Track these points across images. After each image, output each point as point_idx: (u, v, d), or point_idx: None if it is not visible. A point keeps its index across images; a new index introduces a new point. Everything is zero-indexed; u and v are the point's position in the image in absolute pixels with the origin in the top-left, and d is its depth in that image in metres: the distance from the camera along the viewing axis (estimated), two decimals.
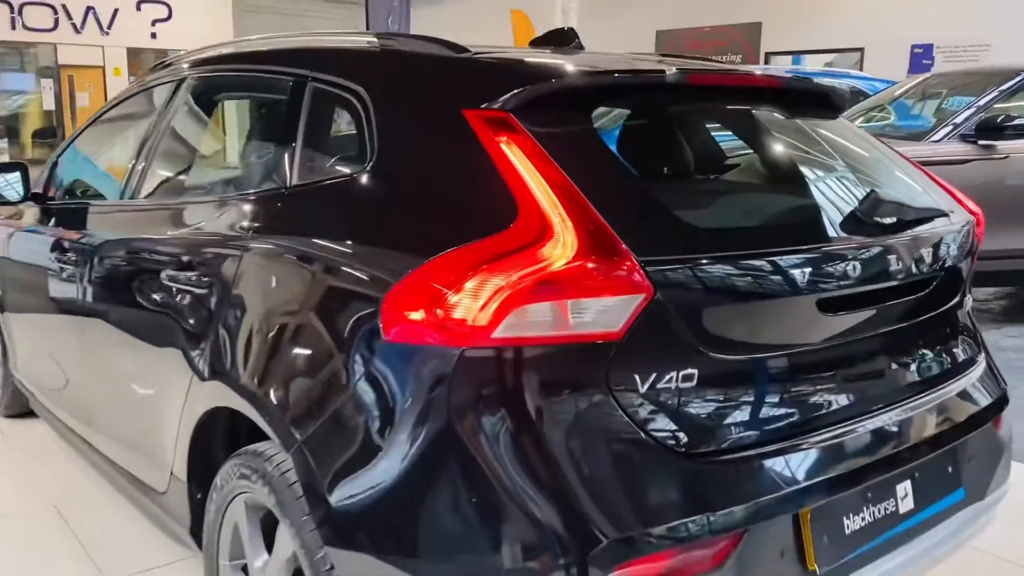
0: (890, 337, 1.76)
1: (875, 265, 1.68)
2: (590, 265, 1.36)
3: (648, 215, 1.53)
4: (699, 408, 1.44)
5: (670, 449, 1.40)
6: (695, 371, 1.43)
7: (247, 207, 1.95)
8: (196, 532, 2.08)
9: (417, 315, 1.41)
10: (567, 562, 1.32)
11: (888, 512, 1.64)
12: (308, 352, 1.62)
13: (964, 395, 1.87)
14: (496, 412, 1.37)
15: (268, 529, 1.81)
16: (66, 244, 2.74)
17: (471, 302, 1.36)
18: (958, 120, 5.47)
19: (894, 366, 1.78)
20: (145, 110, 2.80)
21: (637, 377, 1.39)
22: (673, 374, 1.41)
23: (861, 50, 14.50)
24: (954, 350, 1.92)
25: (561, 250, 1.36)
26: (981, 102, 5.52)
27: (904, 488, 1.68)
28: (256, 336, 1.73)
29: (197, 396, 1.91)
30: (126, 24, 20.78)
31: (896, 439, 1.68)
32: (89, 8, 20.21)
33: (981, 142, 5.35)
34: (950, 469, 1.79)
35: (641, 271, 1.38)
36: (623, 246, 1.38)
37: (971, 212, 2.05)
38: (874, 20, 14.46)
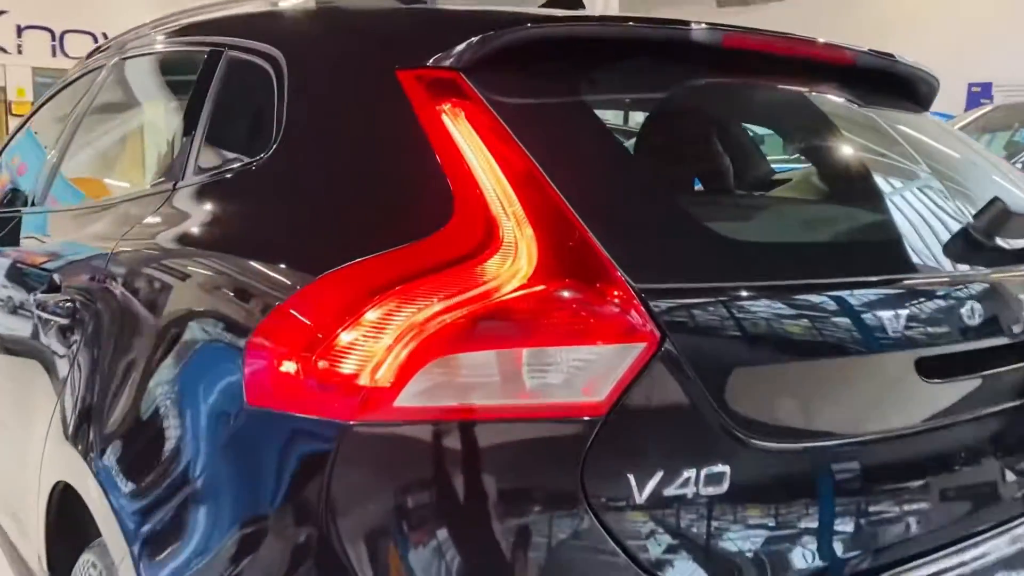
0: (1013, 420, 1.20)
1: (994, 309, 1.14)
2: (562, 293, 0.85)
3: (655, 224, 1.00)
4: (733, 532, 0.90)
5: None
6: (726, 469, 0.89)
7: (125, 211, 1.47)
8: None
9: (289, 366, 0.90)
10: None
11: None
12: (151, 418, 1.10)
13: None
14: (396, 528, 0.85)
15: None
16: None
17: (368, 347, 0.85)
18: None
19: (1000, 462, 1.22)
20: (66, 107, 2.34)
21: (632, 479, 0.86)
22: (691, 474, 0.88)
23: None
24: None
25: (514, 267, 0.85)
26: None
27: None
28: (100, 390, 1.23)
29: (48, 465, 1.41)
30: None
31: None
32: None
33: None
34: None
35: (641, 307, 0.86)
36: (615, 268, 0.87)
37: None
38: (927, 58, 13.88)
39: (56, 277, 1.54)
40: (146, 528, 1.04)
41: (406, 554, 0.85)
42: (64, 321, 1.44)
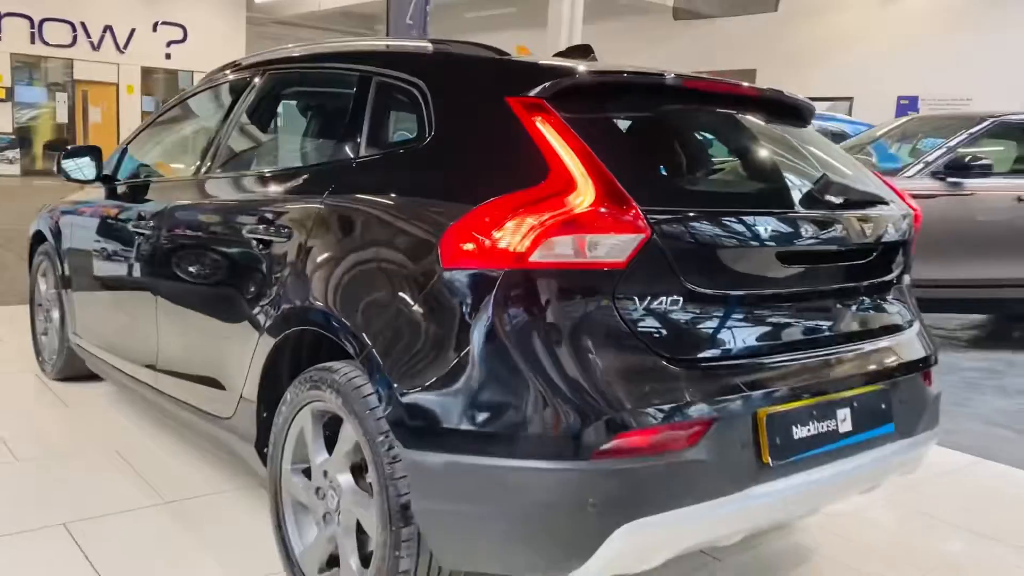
0: (838, 293, 2.21)
1: (824, 231, 2.14)
2: (603, 210, 1.81)
3: (650, 178, 1.98)
4: (681, 325, 1.88)
5: (657, 353, 1.84)
6: (680, 298, 1.87)
7: (322, 174, 2.41)
8: (260, 446, 2.49)
9: (469, 246, 1.85)
10: (581, 429, 1.74)
11: (829, 429, 2.07)
12: (380, 281, 2.04)
13: (897, 348, 2.31)
14: (528, 320, 1.80)
15: (328, 434, 2.23)
16: (144, 215, 3.17)
17: (513, 234, 1.80)
18: (929, 159, 5.98)
19: (842, 314, 2.23)
20: (209, 108, 3.27)
21: (636, 298, 1.83)
22: (665, 297, 1.85)
23: (851, 99, 15.18)
24: (891, 312, 2.37)
25: (582, 198, 1.81)
26: (951, 143, 6.04)
27: (844, 412, 2.11)
28: (336, 271, 2.16)
29: (275, 325, 2.33)
30: (142, 44, 21.43)
31: (840, 372, 2.12)
32: (107, 27, 20.82)
33: (950, 179, 5.86)
34: (883, 406, 2.22)
35: (643, 217, 1.82)
36: (631, 199, 1.83)
37: (910, 207, 2.50)
38: (863, 72, 15.16)
39: (269, 214, 2.45)
40: (382, 342, 1.96)
41: (534, 332, 1.79)
42: (282, 241, 2.36)
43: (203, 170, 3.00)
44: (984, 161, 5.84)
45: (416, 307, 1.93)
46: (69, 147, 3.71)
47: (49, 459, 3.29)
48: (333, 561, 2.23)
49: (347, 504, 2.12)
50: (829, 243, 2.14)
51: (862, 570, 2.69)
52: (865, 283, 2.28)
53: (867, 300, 2.30)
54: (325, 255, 2.22)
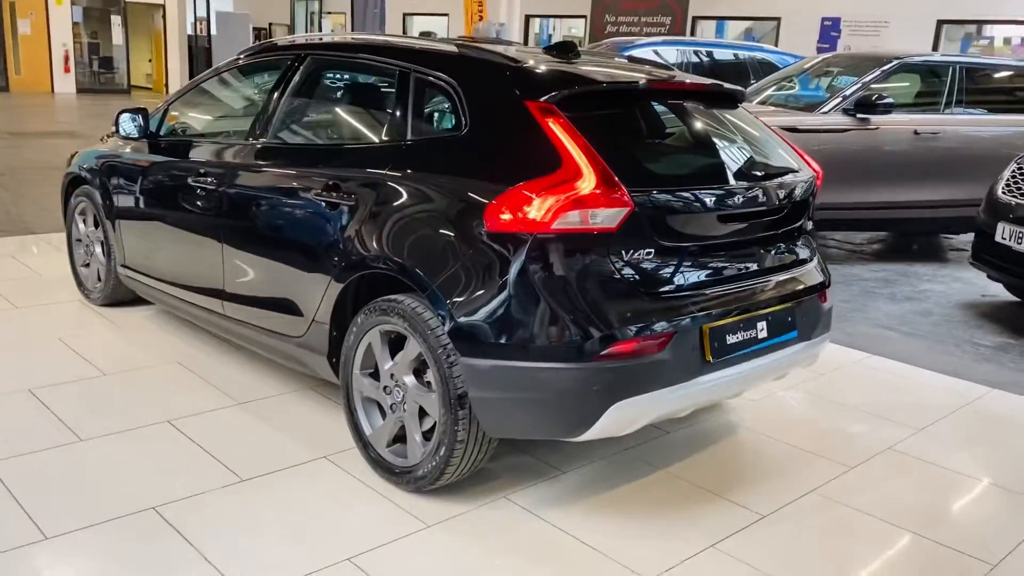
0: (760, 240, 3.08)
1: (750, 197, 2.99)
2: (600, 192, 2.61)
3: (631, 165, 2.79)
4: (653, 269, 2.73)
5: (637, 289, 2.69)
6: (652, 250, 2.71)
7: (379, 152, 3.16)
8: (331, 356, 3.29)
9: (507, 216, 2.64)
10: (586, 341, 2.59)
11: (751, 336, 2.97)
12: (439, 238, 2.83)
13: (801, 277, 3.21)
14: (551, 265, 2.62)
15: (392, 347, 3.04)
16: (205, 171, 3.85)
17: (539, 209, 2.59)
18: (841, 97, 6.88)
19: (762, 256, 3.10)
20: (254, 82, 3.94)
21: (623, 251, 2.67)
22: (642, 251, 2.69)
23: (778, 20, 15.98)
24: (798, 251, 3.27)
25: (587, 183, 2.61)
26: (861, 82, 6.93)
27: (762, 324, 3.01)
28: (402, 230, 2.94)
29: (348, 269, 3.10)
30: None
31: (760, 297, 3.00)
32: None
33: (859, 116, 6.77)
34: (789, 319, 3.13)
35: (628, 195, 2.63)
36: (620, 182, 2.63)
37: (814, 170, 3.37)
38: None
39: (334, 182, 3.19)
40: (441, 281, 2.76)
41: (555, 274, 2.62)
42: (349, 203, 3.12)
43: (260, 136, 3.69)
44: (887, 100, 6.76)
45: (467, 258, 2.73)
46: (123, 109, 4.34)
47: (128, 372, 4.03)
48: (397, 439, 3.07)
49: (412, 396, 2.95)
50: (754, 205, 2.99)
51: (779, 439, 3.66)
52: (780, 231, 3.16)
53: (781, 244, 3.18)
54: (391, 217, 2.98)
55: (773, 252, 3.15)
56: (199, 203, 3.88)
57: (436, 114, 3.18)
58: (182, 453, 3.26)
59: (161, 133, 4.36)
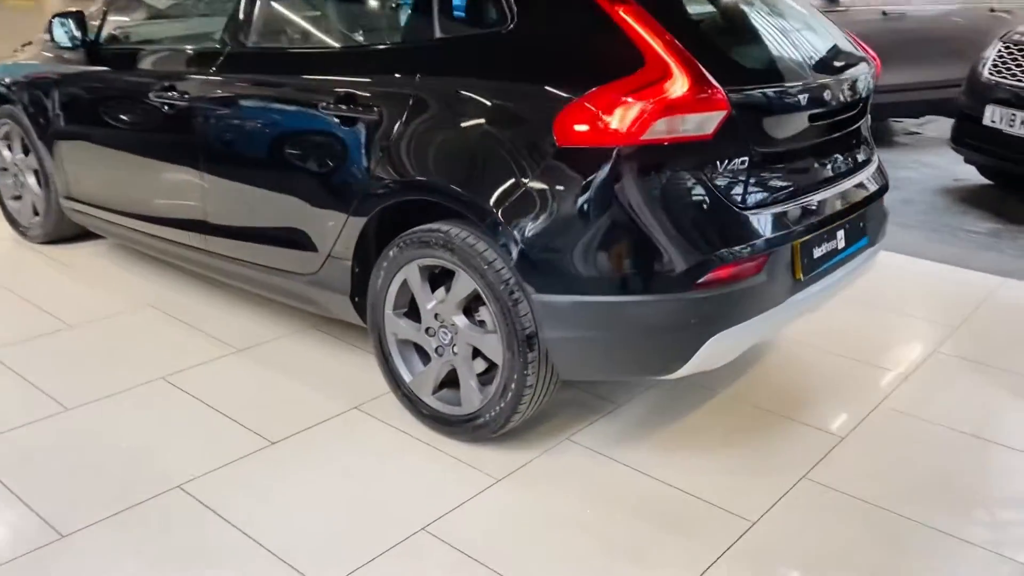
0: (840, 141, 2.78)
1: (837, 91, 2.67)
2: (695, 94, 2.24)
3: (718, 60, 2.41)
4: (749, 181, 2.40)
5: (734, 204, 2.36)
6: (747, 158, 2.38)
7: (403, 53, 2.69)
8: (355, 295, 2.89)
9: (583, 128, 2.25)
10: (685, 269, 2.27)
11: (833, 248, 2.70)
12: (494, 157, 2.41)
13: (868, 179, 2.94)
14: (640, 183, 2.27)
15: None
16: (171, 85, 3.28)
17: (623, 118, 2.22)
18: None
19: (840, 159, 2.80)
20: None
21: (717, 162, 2.32)
22: (737, 160, 2.35)
23: None
24: (864, 151, 2.98)
25: (678, 84, 2.23)
26: None
27: (841, 233, 2.74)
28: (446, 148, 2.51)
29: (376, 196, 2.67)
30: None
31: (840, 204, 2.72)
32: None
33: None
34: (861, 224, 2.87)
35: (724, 96, 2.28)
36: (717, 83, 2.27)
37: (873, 59, 3.06)
38: None
39: (349, 93, 2.72)
40: (511, 213, 2.37)
41: (645, 193, 2.26)
42: (372, 118, 2.66)
43: (245, 39, 3.13)
44: None
45: (535, 179, 2.34)
46: (56, 13, 3.66)
47: (98, 322, 3.53)
48: (443, 384, 2.73)
49: (464, 338, 2.59)
50: (838, 102, 2.67)
51: (823, 348, 3.46)
52: (851, 129, 2.86)
53: (852, 144, 2.88)
54: (428, 134, 2.55)
55: (848, 154, 2.86)
56: (167, 123, 3.32)
57: (471, 6, 2.71)
58: (192, 416, 2.85)
59: (103, 40, 3.72)
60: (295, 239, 2.99)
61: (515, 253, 2.37)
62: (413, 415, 2.81)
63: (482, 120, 2.46)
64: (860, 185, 2.87)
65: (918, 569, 2.23)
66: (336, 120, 2.75)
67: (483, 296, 2.49)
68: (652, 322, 2.34)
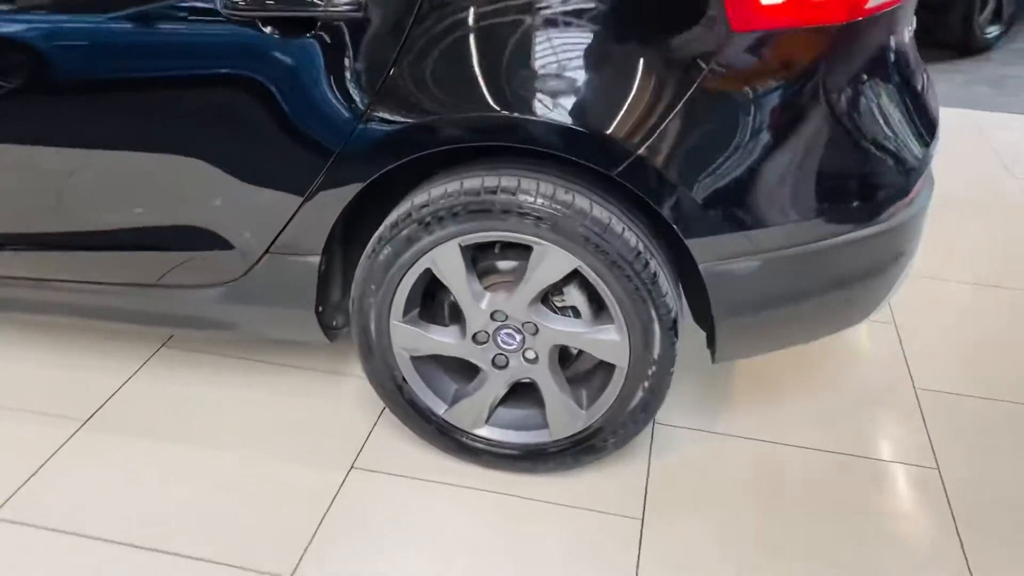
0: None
1: None
2: None
3: None
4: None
5: (920, 100, 1.72)
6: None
7: None
8: (319, 304, 1.82)
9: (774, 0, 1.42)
10: (903, 184, 1.63)
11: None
12: (612, 63, 1.48)
13: None
14: (864, 81, 1.55)
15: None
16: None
17: None
18: None
19: None
20: None
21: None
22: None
23: None
24: None
25: None
26: None
27: None
28: (510, 58, 1.49)
29: (372, 148, 1.59)
30: None
31: None
32: None
33: None
34: None
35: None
36: None
37: None
38: None
39: None
40: (663, 152, 1.50)
41: (870, 94, 1.55)
42: (348, 14, 1.53)
43: None
44: None
45: (698, 91, 1.47)
46: None
47: None
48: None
49: (550, 339, 1.73)
50: None
51: None
52: None
53: None
54: (495, 34, 1.51)
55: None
56: None
57: None
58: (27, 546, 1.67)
59: None
60: (193, 235, 1.79)
61: (674, 208, 1.53)
62: (451, 454, 1.93)
63: (583, 6, 1.49)
64: None
65: None
66: (269, 31, 1.56)
67: (593, 277, 1.63)
68: (867, 261, 1.68)
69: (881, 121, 1.59)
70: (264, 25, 1.55)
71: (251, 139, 1.65)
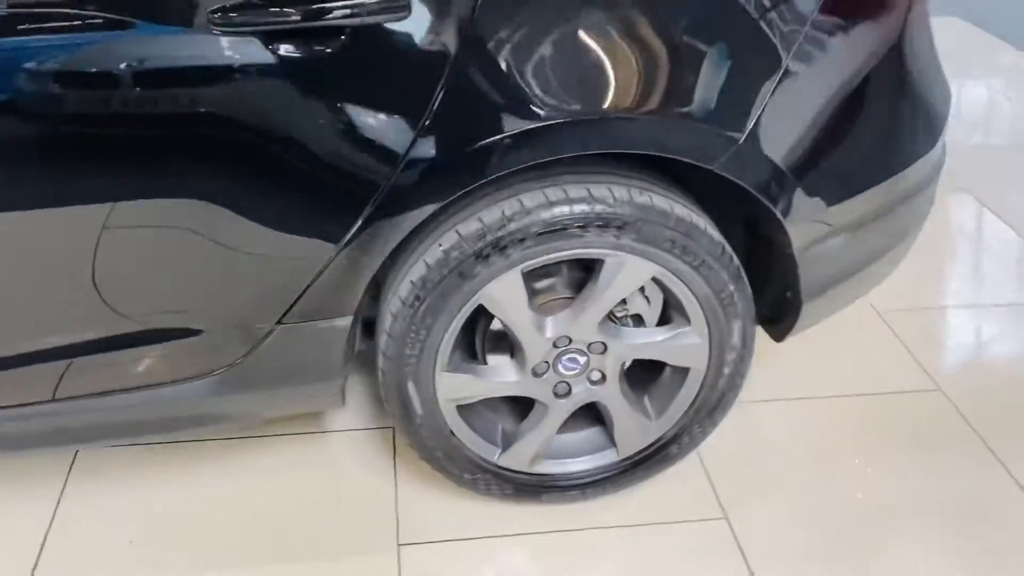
0: None
1: None
2: None
3: None
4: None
5: None
6: None
7: None
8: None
9: None
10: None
11: None
12: (703, 51, 1.30)
13: None
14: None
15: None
16: None
17: None
18: None
19: None
20: None
21: None
22: None
23: None
24: None
25: None
26: None
27: None
28: (589, 51, 1.26)
29: (429, 171, 1.27)
30: None
31: None
32: None
33: None
34: None
35: None
36: None
37: None
38: None
39: None
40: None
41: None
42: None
43: None
44: None
45: (790, 68, 1.33)
46: None
47: None
48: None
49: (619, 353, 1.55)
50: None
51: None
52: None
53: None
54: (589, 31, 1.25)
55: None
56: None
57: None
58: None
59: None
60: (176, 322, 1.38)
61: (778, 193, 1.40)
62: (509, 500, 1.70)
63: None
64: None
65: None
66: (274, 51, 1.18)
67: (672, 280, 1.46)
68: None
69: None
70: (269, 40, 1.18)
71: (257, 186, 1.28)
